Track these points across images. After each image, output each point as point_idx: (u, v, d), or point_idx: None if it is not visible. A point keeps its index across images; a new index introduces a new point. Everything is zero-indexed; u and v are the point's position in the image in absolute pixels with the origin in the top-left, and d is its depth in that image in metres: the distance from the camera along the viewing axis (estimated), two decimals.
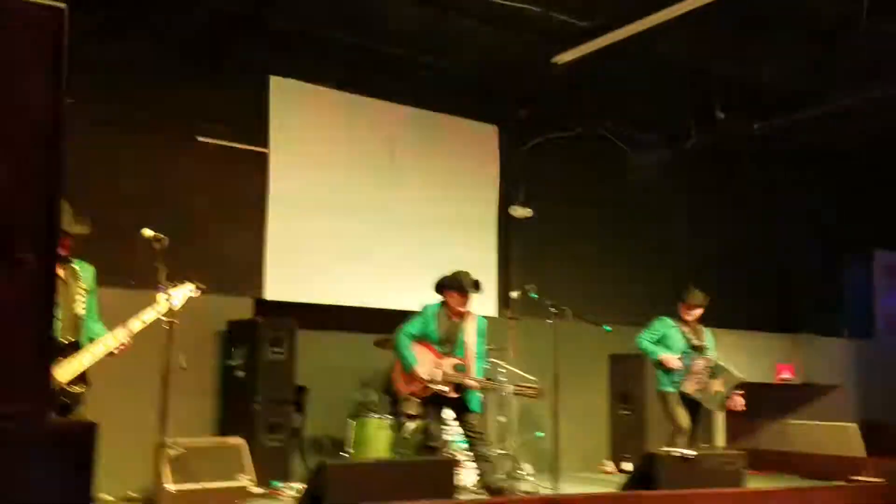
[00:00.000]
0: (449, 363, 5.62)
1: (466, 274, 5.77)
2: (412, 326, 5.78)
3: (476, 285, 5.73)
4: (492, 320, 7.54)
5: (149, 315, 4.40)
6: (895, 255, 11.59)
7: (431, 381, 5.59)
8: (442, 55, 7.28)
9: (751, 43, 7.05)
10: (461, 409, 5.68)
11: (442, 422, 5.84)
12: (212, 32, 6.81)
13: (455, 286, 5.71)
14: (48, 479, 1.54)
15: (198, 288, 4.72)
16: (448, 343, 5.72)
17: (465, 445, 6.44)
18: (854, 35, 6.27)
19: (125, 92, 6.67)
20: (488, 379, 6.53)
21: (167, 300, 4.42)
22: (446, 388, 5.57)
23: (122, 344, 4.32)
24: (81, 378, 4.25)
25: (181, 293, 4.56)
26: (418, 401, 5.99)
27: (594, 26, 6.60)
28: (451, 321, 5.76)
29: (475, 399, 5.68)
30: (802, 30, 6.81)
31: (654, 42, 6.69)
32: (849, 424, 8.59)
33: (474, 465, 6.36)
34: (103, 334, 4.40)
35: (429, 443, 5.71)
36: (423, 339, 5.77)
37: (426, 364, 5.65)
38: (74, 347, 4.24)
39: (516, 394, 5.73)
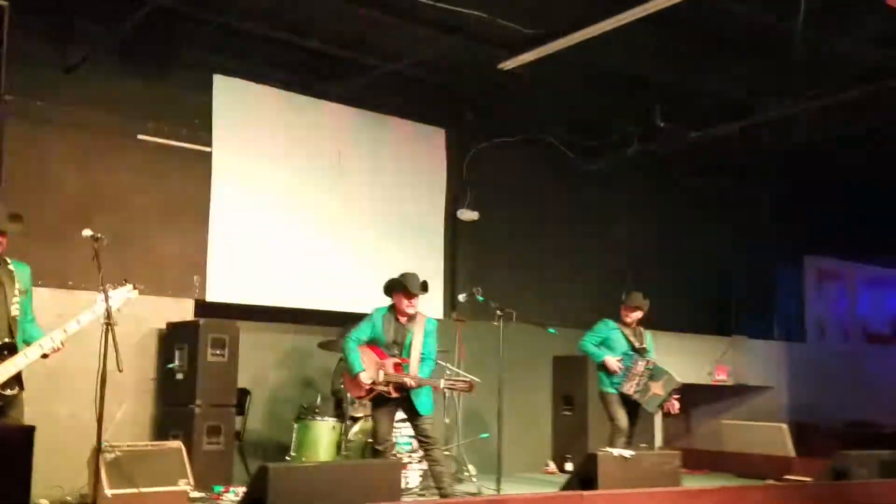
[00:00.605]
0: (391, 363, 5.65)
1: (413, 275, 5.80)
2: (360, 331, 5.78)
3: (423, 286, 5.77)
4: (439, 322, 7.60)
5: (86, 317, 4.31)
6: (825, 260, 12.05)
7: (373, 385, 5.60)
8: (389, 58, 7.29)
9: (691, 53, 7.25)
10: (412, 412, 5.70)
11: (390, 424, 5.85)
12: (155, 29, 6.70)
13: (400, 287, 5.74)
14: None
15: (135, 288, 4.63)
16: (396, 345, 5.75)
17: (409, 448, 6.46)
18: (789, 47, 6.49)
19: (64, 89, 6.52)
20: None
21: (105, 302, 4.33)
22: (387, 389, 5.60)
23: (56, 346, 4.21)
24: (15, 381, 4.14)
25: (120, 295, 4.47)
26: (367, 403, 5.99)
27: (540, 34, 6.70)
28: (399, 323, 5.78)
29: (425, 401, 5.70)
30: (740, 41, 7.04)
31: (599, 51, 6.82)
32: (779, 425, 8.89)
33: (419, 467, 6.39)
34: (39, 335, 4.30)
35: (376, 445, 5.72)
36: (373, 342, 5.78)
37: (370, 367, 5.67)
38: (9, 349, 4.14)
39: (448, 388, 5.74)
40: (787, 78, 7.46)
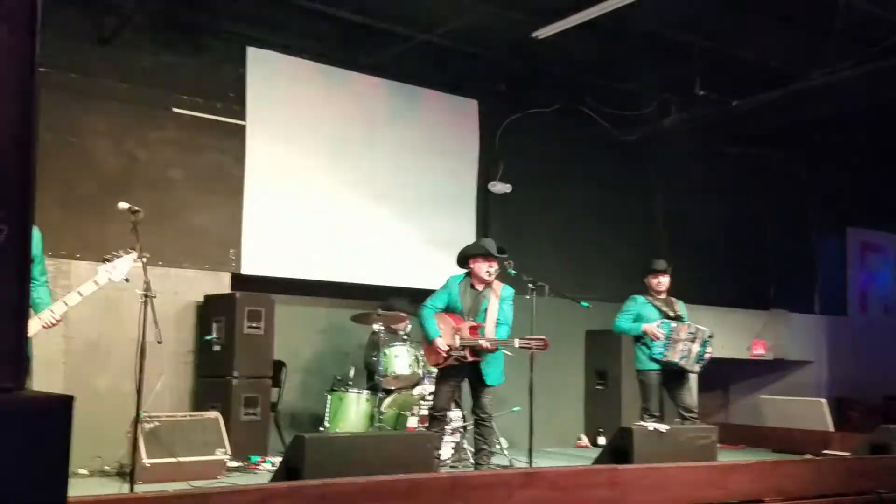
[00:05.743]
0: (466, 326, 5.63)
1: (489, 240, 5.81)
2: (437, 299, 5.75)
3: (500, 249, 5.73)
4: None
5: (87, 288, 4.17)
6: (868, 233, 11.77)
7: (450, 350, 5.58)
8: (422, 28, 7.21)
9: (731, 20, 7.06)
10: (479, 382, 5.66)
11: (450, 396, 5.83)
12: (188, 1, 6.69)
13: (479, 252, 5.70)
14: (22, 454, 1.51)
15: (141, 257, 4.45)
16: (473, 313, 5.69)
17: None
18: (831, 14, 6.29)
19: (100, 62, 6.55)
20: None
21: (108, 272, 4.26)
22: (463, 353, 5.58)
23: (56, 320, 4.09)
24: None
25: (123, 264, 4.32)
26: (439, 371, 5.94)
27: (575, 1, 6.57)
28: (475, 290, 5.73)
29: (495, 372, 5.65)
30: (780, 7, 6.83)
31: (635, 17, 6.67)
32: (819, 400, 8.75)
33: (452, 439, 6.40)
34: (47, 300, 4.17)
35: (433, 412, 5.77)
36: (449, 310, 5.75)
37: (447, 332, 5.65)
38: None
39: (523, 347, 5.63)
40: (827, 45, 7.23)
